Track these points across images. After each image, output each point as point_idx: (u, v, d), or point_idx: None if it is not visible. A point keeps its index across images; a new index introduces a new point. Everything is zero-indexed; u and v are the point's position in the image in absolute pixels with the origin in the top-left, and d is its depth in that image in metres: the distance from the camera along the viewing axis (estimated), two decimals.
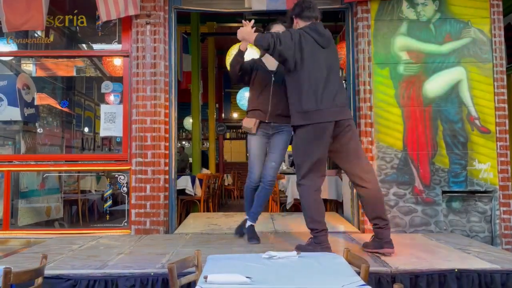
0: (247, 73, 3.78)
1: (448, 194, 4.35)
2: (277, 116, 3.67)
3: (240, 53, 3.63)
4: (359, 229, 4.44)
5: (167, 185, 4.39)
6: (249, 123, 3.69)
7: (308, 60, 3.25)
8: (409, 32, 4.47)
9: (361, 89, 4.44)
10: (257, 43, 3.33)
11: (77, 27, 4.85)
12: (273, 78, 3.71)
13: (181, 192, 6.49)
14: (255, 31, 3.40)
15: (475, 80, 4.43)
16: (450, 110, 4.40)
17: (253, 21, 3.48)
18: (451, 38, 4.46)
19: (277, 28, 3.67)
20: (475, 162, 4.37)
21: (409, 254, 3.26)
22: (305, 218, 3.40)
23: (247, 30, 3.43)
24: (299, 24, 3.46)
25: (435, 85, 4.42)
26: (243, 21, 3.52)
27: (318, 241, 3.27)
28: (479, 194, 4.35)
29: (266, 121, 3.68)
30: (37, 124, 5.67)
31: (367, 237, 4.11)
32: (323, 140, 3.19)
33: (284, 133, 3.71)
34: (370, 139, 4.38)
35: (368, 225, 4.29)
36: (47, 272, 2.44)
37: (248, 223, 3.82)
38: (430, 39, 4.46)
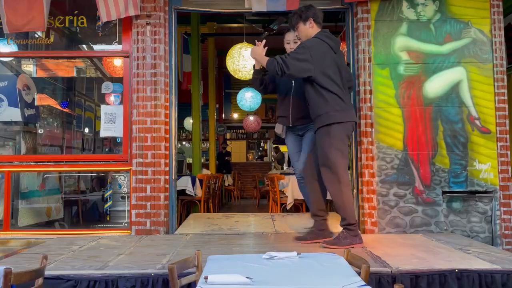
0: (270, 84, 4.02)
1: (448, 194, 4.35)
2: (300, 119, 3.87)
3: (256, 72, 3.81)
4: (359, 229, 4.43)
5: (167, 186, 4.40)
6: (277, 129, 4.04)
7: (331, 67, 3.48)
8: (409, 32, 4.47)
9: (361, 90, 4.44)
10: (268, 69, 3.54)
11: (78, 28, 4.85)
12: (293, 84, 3.88)
13: (182, 192, 6.49)
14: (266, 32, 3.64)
15: (476, 81, 4.43)
16: (450, 111, 4.40)
17: (264, 41, 3.63)
18: (451, 38, 4.46)
19: (289, 36, 3.91)
20: (475, 162, 4.37)
21: (409, 255, 3.26)
22: (346, 214, 3.57)
23: (258, 51, 3.60)
24: (314, 28, 3.63)
25: (435, 85, 4.42)
26: (256, 41, 3.67)
27: (356, 232, 3.54)
28: (479, 195, 4.35)
29: (290, 125, 3.92)
30: (37, 125, 5.67)
31: (368, 237, 4.11)
32: (349, 138, 3.57)
33: (312, 130, 3.86)
34: (370, 139, 4.38)
35: (369, 225, 4.30)
36: (48, 272, 2.44)
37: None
38: (430, 40, 4.46)
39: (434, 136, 4.39)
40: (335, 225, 3.93)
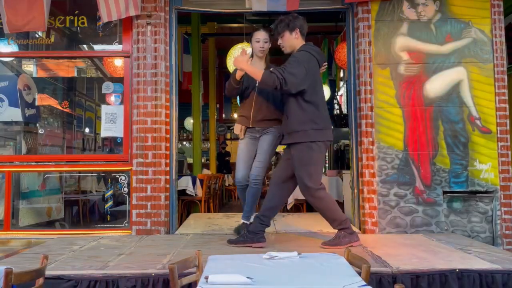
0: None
1: (449, 194, 4.34)
2: (260, 121, 3.79)
3: (236, 82, 3.69)
4: (360, 229, 4.44)
5: (167, 186, 4.40)
6: (236, 129, 3.91)
7: (318, 84, 3.51)
8: (410, 32, 4.47)
9: (362, 90, 4.44)
10: (262, 84, 3.45)
11: (78, 28, 4.85)
12: (257, 85, 3.75)
13: (182, 192, 6.49)
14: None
15: (476, 80, 4.42)
16: (451, 110, 4.40)
17: (250, 50, 3.67)
18: (452, 38, 4.46)
19: (260, 35, 3.79)
20: (476, 162, 4.36)
21: (410, 255, 3.26)
22: (335, 218, 3.58)
23: (243, 60, 3.51)
24: (299, 39, 3.61)
25: (436, 85, 4.42)
26: (242, 48, 3.59)
27: (351, 230, 3.59)
28: (480, 195, 4.35)
29: (250, 126, 3.83)
30: (38, 125, 5.67)
31: (368, 237, 4.12)
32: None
33: (270, 134, 3.82)
34: (370, 139, 4.38)
35: (369, 226, 4.29)
36: (48, 272, 2.44)
37: (241, 221, 3.93)
38: (430, 39, 4.46)
39: (434, 136, 4.38)
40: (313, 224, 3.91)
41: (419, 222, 4.31)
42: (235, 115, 15.27)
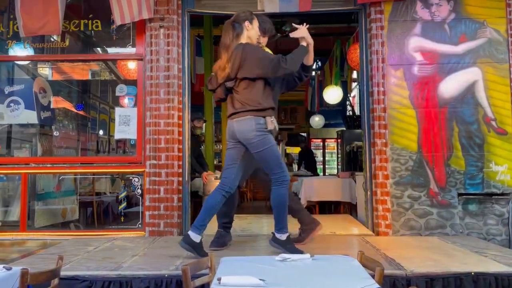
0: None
1: (464, 196, 4.28)
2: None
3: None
4: (373, 231, 4.40)
5: (180, 187, 4.42)
6: (271, 124, 3.42)
7: None
8: (423, 32, 4.43)
9: (374, 91, 4.41)
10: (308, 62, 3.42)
11: (92, 31, 4.91)
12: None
13: (195, 194, 6.51)
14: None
15: (491, 81, 4.36)
16: (466, 111, 4.35)
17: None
18: (467, 38, 4.40)
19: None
20: (491, 164, 4.30)
21: (424, 257, 3.23)
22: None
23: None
24: (264, 42, 3.53)
25: (450, 86, 4.37)
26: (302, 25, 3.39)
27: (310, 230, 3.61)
28: (496, 197, 4.28)
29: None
30: (53, 127, 5.75)
31: (382, 239, 4.08)
32: None
33: None
34: (384, 140, 4.34)
35: (383, 228, 4.26)
36: (63, 273, 2.47)
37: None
38: (444, 40, 4.41)
39: (449, 137, 4.33)
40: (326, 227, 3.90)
41: (434, 225, 4.26)
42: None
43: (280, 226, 3.27)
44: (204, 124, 6.58)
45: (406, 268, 2.85)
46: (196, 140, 6.46)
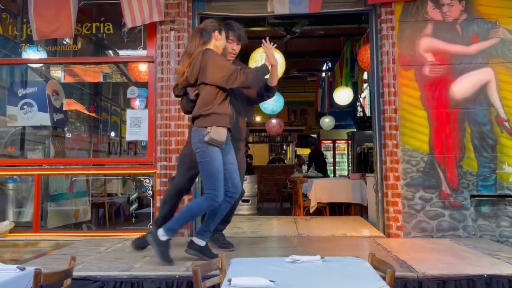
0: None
1: (476, 198, 4.24)
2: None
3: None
4: (384, 233, 4.38)
5: (191, 189, 4.42)
6: (222, 133, 3.32)
7: None
8: (435, 33, 4.39)
9: (385, 92, 4.39)
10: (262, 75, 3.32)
11: (104, 34, 4.96)
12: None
13: None
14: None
15: (504, 81, 4.31)
16: (478, 112, 4.30)
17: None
18: (479, 38, 4.36)
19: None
20: (504, 165, 4.24)
21: (436, 259, 3.20)
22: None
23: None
24: (237, 49, 3.54)
25: (462, 86, 4.33)
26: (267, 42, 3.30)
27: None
28: (509, 198, 4.22)
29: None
30: (65, 129, 5.82)
31: (393, 241, 4.05)
32: None
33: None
34: (395, 142, 4.31)
35: (394, 230, 4.23)
36: (76, 273, 2.49)
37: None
38: (456, 40, 4.37)
39: (461, 139, 4.29)
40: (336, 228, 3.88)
41: (446, 227, 4.22)
42: (258, 118, 15.23)
43: (167, 226, 3.17)
44: None
45: (417, 270, 2.83)
46: None
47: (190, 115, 3.33)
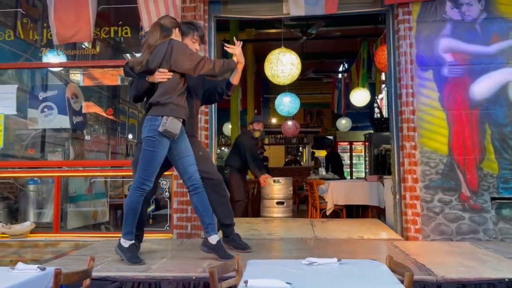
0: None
1: (497, 200, 4.15)
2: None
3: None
4: (402, 236, 4.32)
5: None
6: (176, 125, 3.36)
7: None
8: (453, 33, 4.33)
9: (403, 93, 4.34)
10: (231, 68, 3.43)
11: (122, 38, 5.04)
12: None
13: None
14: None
15: None
16: (499, 113, 4.22)
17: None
18: (499, 38, 4.28)
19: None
20: None
21: (456, 263, 3.14)
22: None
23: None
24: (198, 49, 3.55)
25: (482, 87, 4.25)
26: (239, 41, 3.46)
27: None
28: None
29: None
30: (84, 132, 5.91)
31: (411, 244, 4.00)
32: None
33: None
34: (413, 143, 4.26)
35: (412, 232, 4.17)
36: (95, 274, 2.53)
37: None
38: (476, 40, 4.30)
39: (481, 140, 4.21)
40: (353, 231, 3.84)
41: (466, 230, 4.14)
42: (274, 120, 15.21)
43: (123, 232, 3.23)
44: (262, 126, 6.45)
45: (436, 273, 2.79)
46: (255, 143, 6.41)
47: (138, 102, 3.34)
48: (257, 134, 6.36)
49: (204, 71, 3.20)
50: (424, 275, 2.77)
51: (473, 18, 4.33)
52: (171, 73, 3.17)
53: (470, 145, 4.22)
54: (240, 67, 3.43)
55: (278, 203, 6.33)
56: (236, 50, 3.35)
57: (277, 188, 6.37)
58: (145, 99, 3.39)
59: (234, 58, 3.36)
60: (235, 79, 3.53)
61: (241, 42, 3.43)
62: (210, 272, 1.86)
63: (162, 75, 3.16)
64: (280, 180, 6.39)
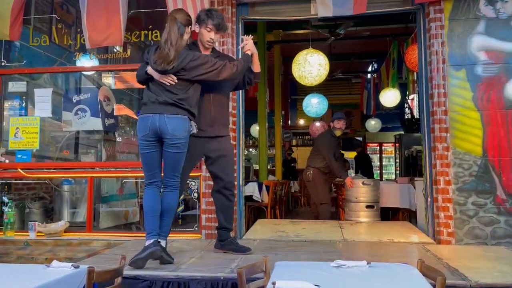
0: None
1: None
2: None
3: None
4: (434, 240, 4.22)
5: (235, 192, 4.47)
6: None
7: None
8: (487, 31, 4.20)
9: (435, 93, 4.24)
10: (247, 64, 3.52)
11: (152, 42, 5.12)
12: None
13: (249, 198, 6.57)
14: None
15: None
16: None
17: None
18: None
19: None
20: None
21: (490, 268, 3.04)
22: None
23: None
24: (216, 38, 3.57)
25: None
26: (246, 36, 3.55)
27: None
28: None
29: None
30: (116, 133, 6.04)
31: (444, 248, 3.90)
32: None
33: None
34: (445, 145, 4.16)
35: (445, 236, 4.07)
36: (126, 272, 2.58)
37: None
38: (511, 38, 4.16)
39: None
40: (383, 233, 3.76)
41: (501, 234, 4.01)
42: (301, 121, 15.15)
43: (165, 233, 3.40)
44: (344, 124, 6.17)
45: (470, 278, 2.71)
46: (337, 142, 6.19)
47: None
48: (338, 133, 6.09)
49: (226, 75, 3.31)
50: (457, 279, 2.70)
51: (508, 15, 4.19)
52: (175, 78, 3.23)
53: (505, 146, 4.08)
54: (255, 57, 3.56)
55: (367, 206, 5.77)
56: (248, 45, 3.48)
57: (365, 191, 5.82)
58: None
59: (248, 52, 3.48)
60: (255, 67, 3.61)
61: (251, 36, 3.54)
62: (238, 272, 1.87)
63: (168, 79, 3.23)
64: (370, 182, 5.89)
